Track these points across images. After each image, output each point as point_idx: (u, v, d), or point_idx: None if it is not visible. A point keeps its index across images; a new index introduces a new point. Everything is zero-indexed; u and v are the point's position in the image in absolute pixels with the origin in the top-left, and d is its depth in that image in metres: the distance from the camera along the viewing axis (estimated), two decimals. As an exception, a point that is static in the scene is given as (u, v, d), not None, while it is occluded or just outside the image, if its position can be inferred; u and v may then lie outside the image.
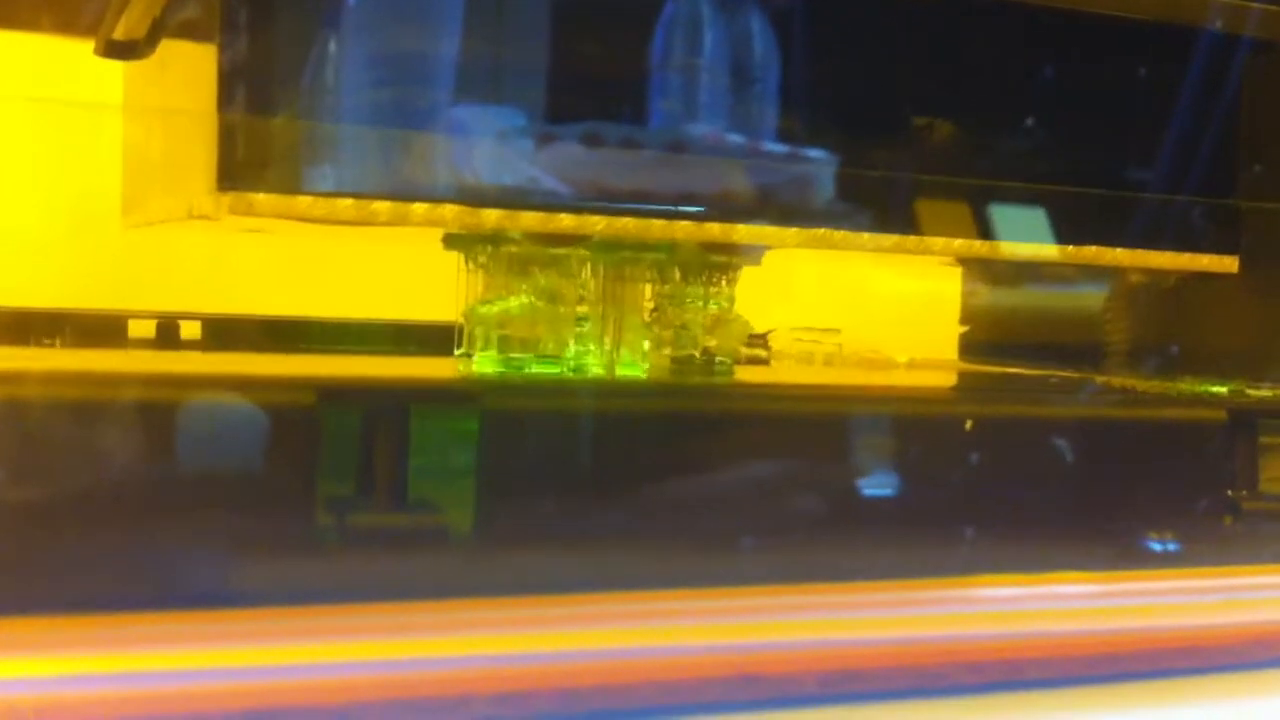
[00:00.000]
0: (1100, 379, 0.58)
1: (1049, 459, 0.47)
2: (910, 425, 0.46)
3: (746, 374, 0.53)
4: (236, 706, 0.32)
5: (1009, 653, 0.39)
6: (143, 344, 0.56)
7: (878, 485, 0.44)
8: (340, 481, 0.38)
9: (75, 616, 0.33)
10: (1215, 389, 0.53)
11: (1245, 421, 0.50)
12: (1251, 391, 0.52)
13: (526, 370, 0.47)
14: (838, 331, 0.64)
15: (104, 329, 0.56)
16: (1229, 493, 0.49)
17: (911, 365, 0.66)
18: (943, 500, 0.46)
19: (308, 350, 0.58)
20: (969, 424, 0.46)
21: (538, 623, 0.37)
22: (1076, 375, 0.59)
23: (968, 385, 0.61)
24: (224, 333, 0.58)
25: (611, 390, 0.47)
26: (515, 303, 0.49)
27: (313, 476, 0.38)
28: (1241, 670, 0.41)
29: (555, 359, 0.48)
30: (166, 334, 0.57)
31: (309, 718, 0.32)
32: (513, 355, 0.48)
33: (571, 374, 0.48)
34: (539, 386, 0.46)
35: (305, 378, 0.43)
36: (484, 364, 0.48)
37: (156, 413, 0.37)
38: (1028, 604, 0.43)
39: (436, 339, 0.52)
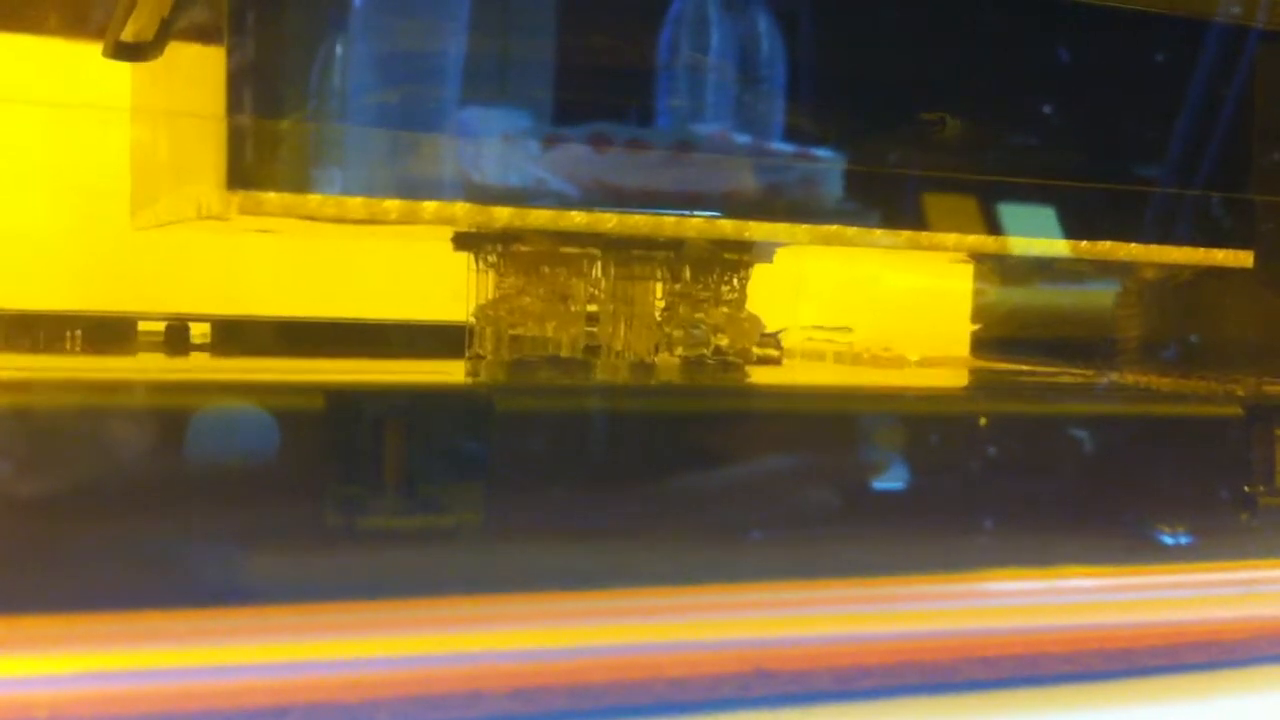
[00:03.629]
0: (1114, 375, 0.58)
1: (1062, 456, 0.47)
2: (922, 425, 0.46)
3: (758, 374, 0.53)
4: (251, 703, 0.32)
5: (1024, 648, 0.39)
6: (152, 344, 0.56)
7: (891, 483, 0.44)
8: (352, 482, 0.38)
9: (89, 614, 0.33)
10: (1231, 385, 0.53)
11: (1262, 417, 0.49)
12: (1268, 387, 0.52)
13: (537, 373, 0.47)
14: (849, 330, 0.64)
15: (114, 331, 0.56)
16: (1245, 488, 0.49)
17: (923, 363, 0.65)
18: (955, 500, 0.45)
19: (318, 351, 0.58)
20: (981, 421, 0.46)
21: (551, 618, 0.37)
22: (1090, 372, 0.59)
23: (979, 383, 0.61)
24: (234, 334, 0.58)
25: (621, 393, 0.47)
26: (526, 302, 0.49)
27: (325, 478, 0.38)
28: (1257, 664, 0.41)
29: (566, 360, 0.48)
30: (176, 336, 0.57)
31: (323, 714, 0.32)
32: (523, 356, 0.48)
33: (582, 375, 0.48)
34: (548, 389, 0.46)
35: (317, 384, 0.43)
36: (495, 365, 0.48)
37: (171, 418, 0.37)
38: (1042, 599, 0.43)
39: (447, 340, 0.52)
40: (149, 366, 0.52)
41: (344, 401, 0.39)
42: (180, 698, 0.31)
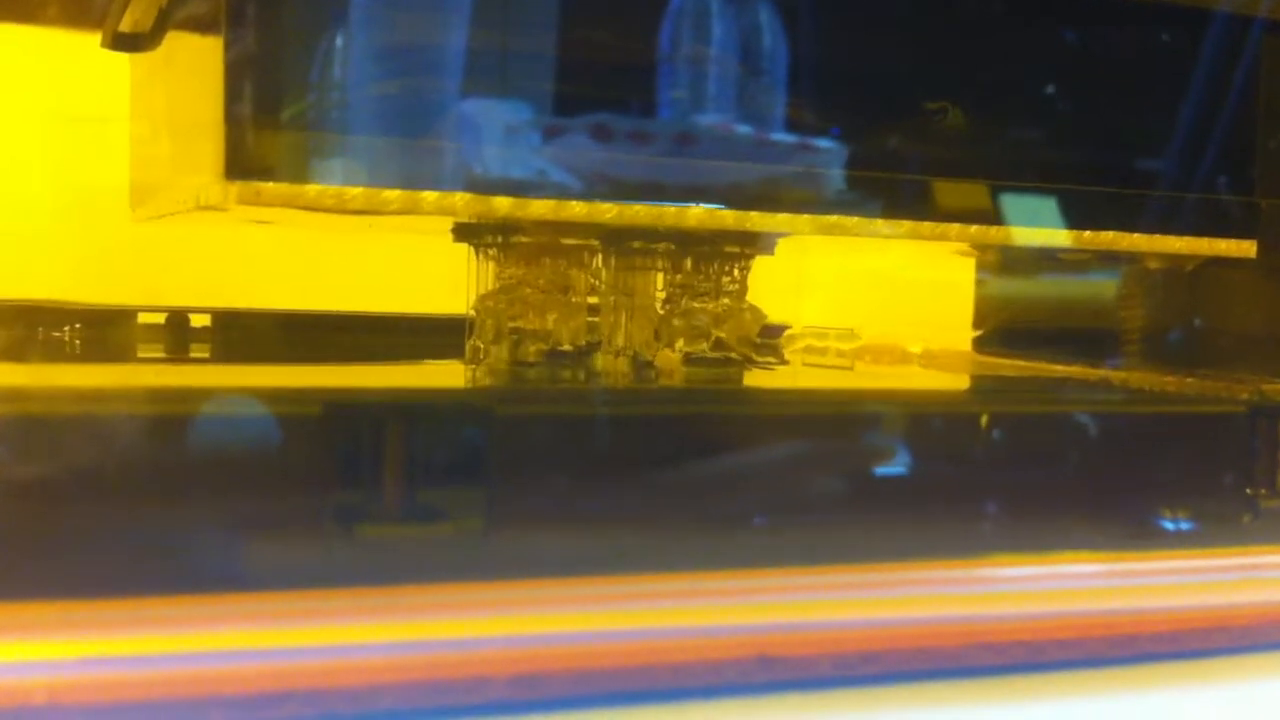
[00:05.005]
0: (1116, 374, 0.58)
1: (1059, 461, 0.47)
2: (924, 430, 0.46)
3: (760, 376, 0.52)
4: (252, 688, 0.31)
5: (1029, 633, 0.39)
6: (152, 336, 0.56)
7: (895, 488, 0.44)
8: (352, 489, 0.38)
9: (88, 600, 0.33)
10: (1234, 384, 0.53)
11: (1264, 419, 0.49)
12: (1268, 387, 0.52)
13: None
14: (852, 332, 0.64)
15: (114, 322, 0.56)
16: (1248, 490, 0.49)
17: (925, 358, 0.65)
18: (956, 502, 0.45)
19: (318, 344, 0.58)
20: (981, 423, 0.46)
21: (554, 604, 0.36)
22: (1091, 370, 0.59)
23: (978, 385, 0.60)
24: (234, 326, 0.57)
25: (621, 398, 0.47)
26: (526, 293, 0.48)
27: (325, 485, 0.37)
28: (1263, 651, 0.41)
29: (566, 353, 0.48)
30: (176, 327, 0.56)
31: (325, 699, 0.32)
32: (523, 353, 0.48)
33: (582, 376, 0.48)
34: (548, 393, 0.46)
35: (315, 392, 0.43)
36: (494, 366, 0.48)
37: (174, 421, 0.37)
38: (1047, 584, 0.43)
39: (447, 332, 0.52)
40: (147, 371, 0.52)
41: (344, 410, 0.38)
42: (181, 683, 0.31)
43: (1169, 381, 0.55)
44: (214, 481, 0.36)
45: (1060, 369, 0.60)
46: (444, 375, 0.50)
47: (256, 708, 0.31)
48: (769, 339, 0.59)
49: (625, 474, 0.41)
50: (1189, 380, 0.54)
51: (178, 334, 0.57)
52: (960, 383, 0.63)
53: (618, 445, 0.42)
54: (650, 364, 0.51)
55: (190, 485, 0.36)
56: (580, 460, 0.41)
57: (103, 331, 0.55)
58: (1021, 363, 0.63)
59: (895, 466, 0.44)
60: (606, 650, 0.35)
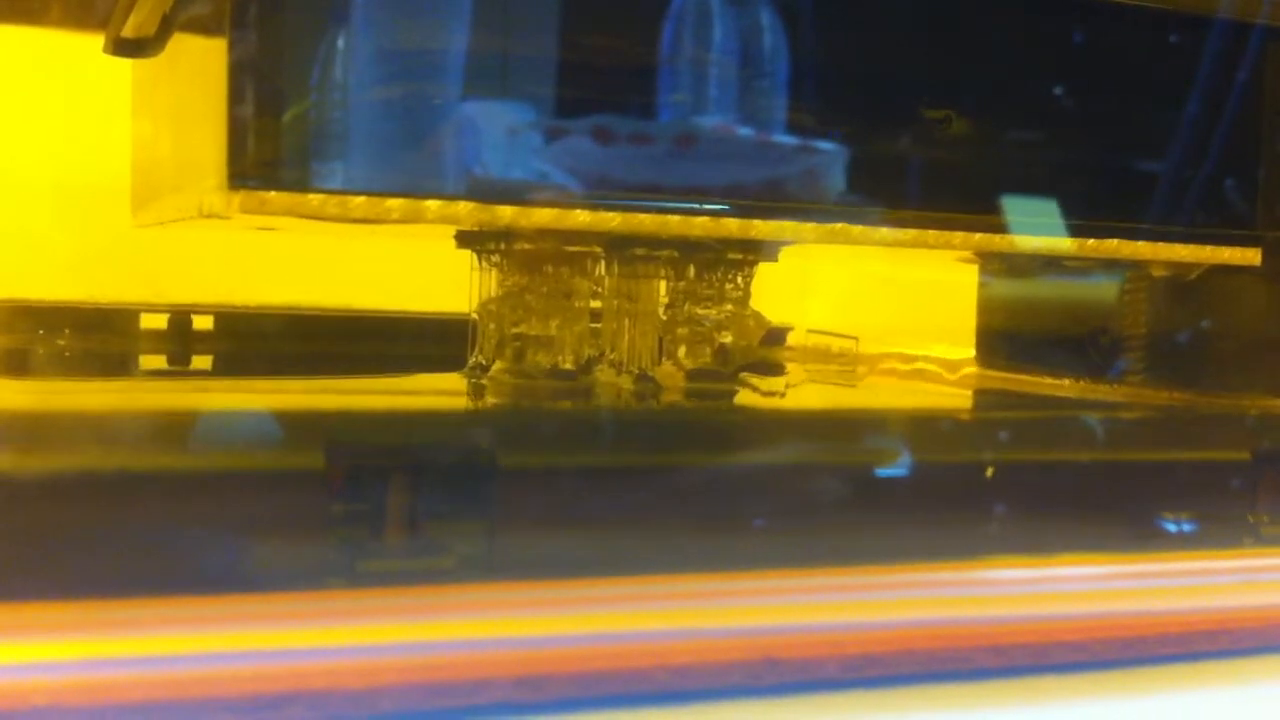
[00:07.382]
0: (1121, 389, 0.57)
1: (1059, 480, 0.47)
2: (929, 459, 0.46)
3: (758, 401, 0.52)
4: (256, 690, 0.31)
5: (1034, 636, 0.39)
6: (155, 338, 0.56)
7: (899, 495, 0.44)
8: (352, 526, 0.37)
9: (90, 600, 0.33)
10: (1238, 402, 0.53)
11: (1267, 443, 0.49)
12: (1273, 403, 0.52)
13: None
14: (854, 339, 0.64)
15: (116, 323, 0.55)
16: (1249, 518, 0.48)
17: (925, 369, 0.65)
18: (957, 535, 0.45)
19: (321, 347, 0.58)
20: (983, 459, 0.46)
21: (558, 606, 0.36)
22: (1096, 385, 0.59)
23: (980, 410, 0.60)
24: (236, 327, 0.57)
25: (623, 421, 0.46)
26: (529, 300, 0.48)
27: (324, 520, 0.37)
28: (1267, 653, 0.41)
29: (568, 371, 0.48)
30: (178, 329, 0.56)
31: (328, 701, 0.32)
32: (527, 362, 0.48)
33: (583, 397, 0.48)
34: (551, 418, 0.46)
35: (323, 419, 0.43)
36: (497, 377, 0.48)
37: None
38: (1052, 587, 0.42)
39: (451, 333, 0.52)
40: (146, 394, 0.52)
41: (344, 455, 0.38)
42: (184, 684, 0.31)
43: (1175, 398, 0.55)
44: (209, 504, 0.36)
45: (1064, 383, 0.60)
46: (447, 397, 0.50)
47: (259, 709, 0.31)
48: (772, 344, 0.59)
49: (629, 483, 0.41)
50: (1193, 395, 0.54)
51: (180, 340, 0.56)
52: (962, 401, 0.62)
53: (621, 460, 0.41)
54: (652, 380, 0.51)
55: (184, 507, 0.36)
56: (583, 471, 0.41)
57: (103, 337, 0.55)
58: (1024, 376, 0.63)
59: (897, 479, 0.44)
60: (612, 652, 0.35)
